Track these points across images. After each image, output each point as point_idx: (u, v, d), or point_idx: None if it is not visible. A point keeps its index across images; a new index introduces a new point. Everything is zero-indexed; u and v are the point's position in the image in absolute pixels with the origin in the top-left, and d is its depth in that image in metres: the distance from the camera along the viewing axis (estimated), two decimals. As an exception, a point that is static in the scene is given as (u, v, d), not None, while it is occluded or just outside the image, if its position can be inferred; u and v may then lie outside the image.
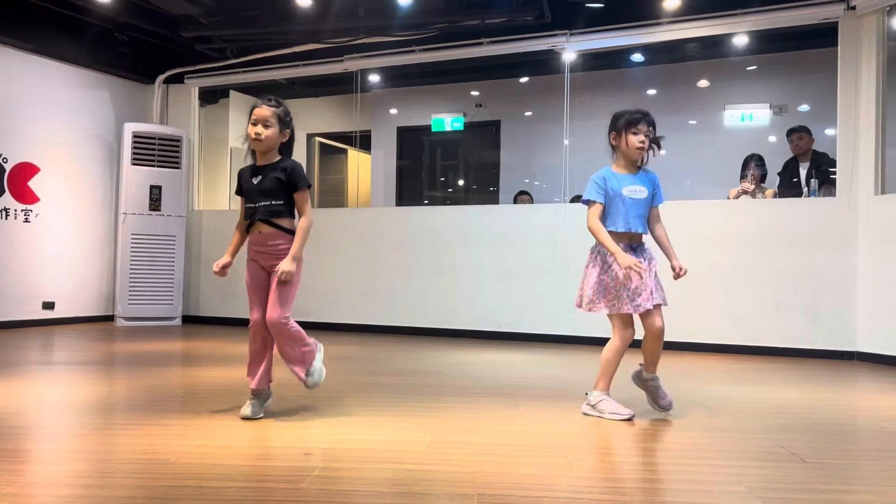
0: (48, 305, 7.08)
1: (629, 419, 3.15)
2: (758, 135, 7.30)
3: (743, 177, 6.13)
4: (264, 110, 3.07)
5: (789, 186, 6.12)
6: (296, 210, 3.14)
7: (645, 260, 3.22)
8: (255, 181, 3.10)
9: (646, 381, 3.35)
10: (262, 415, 3.10)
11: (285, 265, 3.03)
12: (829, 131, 6.37)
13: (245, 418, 3.05)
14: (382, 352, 5.57)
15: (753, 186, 5.99)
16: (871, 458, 2.65)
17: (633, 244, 3.25)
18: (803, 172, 6.07)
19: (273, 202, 3.08)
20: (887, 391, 4.15)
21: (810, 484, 2.27)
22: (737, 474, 2.35)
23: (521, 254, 6.43)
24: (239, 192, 3.21)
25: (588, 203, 3.26)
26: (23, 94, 6.85)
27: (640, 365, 3.37)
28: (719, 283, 5.76)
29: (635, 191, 3.24)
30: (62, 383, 4.00)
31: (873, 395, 4.12)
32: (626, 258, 3.08)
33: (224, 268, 3.17)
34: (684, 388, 4.11)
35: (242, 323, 7.44)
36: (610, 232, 3.20)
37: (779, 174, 6.31)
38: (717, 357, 5.45)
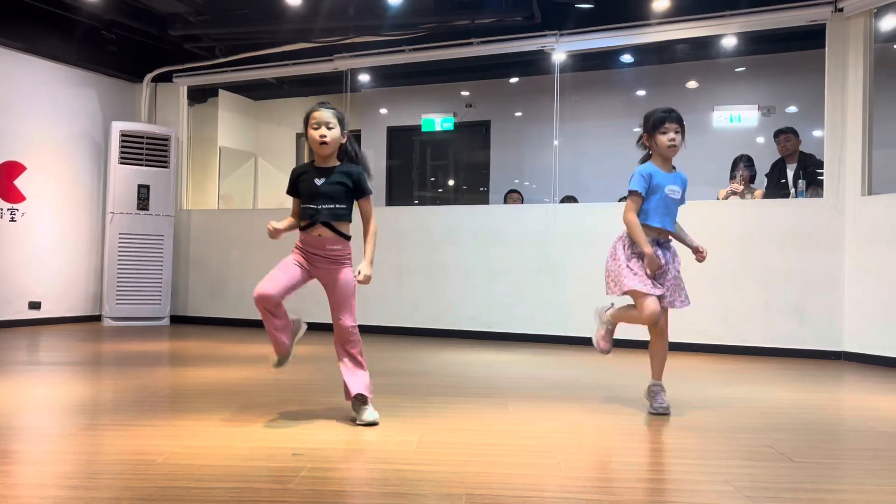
0: (34, 305, 7.03)
1: (601, 352, 3.43)
2: (746, 136, 7.35)
3: (732, 177, 6.16)
4: (325, 113, 3.07)
5: (776, 187, 6.15)
6: (363, 216, 3.16)
7: (668, 260, 3.30)
8: (318, 182, 3.07)
9: (649, 387, 3.37)
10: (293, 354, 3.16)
11: (367, 270, 3.07)
12: (817, 132, 6.41)
13: (282, 362, 3.15)
14: (372, 352, 5.54)
15: (743, 187, 6.02)
16: (859, 458, 2.67)
17: (659, 240, 3.32)
18: (790, 173, 6.10)
19: (337, 206, 3.07)
20: (874, 391, 4.18)
21: (798, 483, 2.28)
22: (725, 474, 2.36)
23: (510, 254, 6.43)
24: (293, 192, 3.16)
25: (630, 194, 3.32)
26: (9, 92, 6.79)
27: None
28: (708, 284, 5.77)
29: (675, 190, 3.35)
30: (49, 384, 3.96)
31: (860, 394, 4.15)
32: (649, 251, 3.20)
33: (277, 231, 3.09)
34: (672, 388, 4.11)
35: (231, 323, 7.45)
36: (644, 226, 3.27)
37: (766, 175, 6.35)
38: (706, 357, 5.48)
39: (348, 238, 3.13)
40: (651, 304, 3.20)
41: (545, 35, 6.45)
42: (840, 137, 5.47)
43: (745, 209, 5.86)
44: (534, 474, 2.32)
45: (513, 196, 7.58)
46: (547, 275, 6.28)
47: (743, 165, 6.13)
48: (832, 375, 4.72)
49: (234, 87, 8.52)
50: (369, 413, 3.01)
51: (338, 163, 3.13)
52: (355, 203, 3.16)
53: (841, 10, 5.45)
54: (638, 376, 4.52)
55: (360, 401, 3.06)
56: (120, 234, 7.34)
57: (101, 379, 4.22)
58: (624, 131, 8.00)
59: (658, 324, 3.29)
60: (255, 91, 8.81)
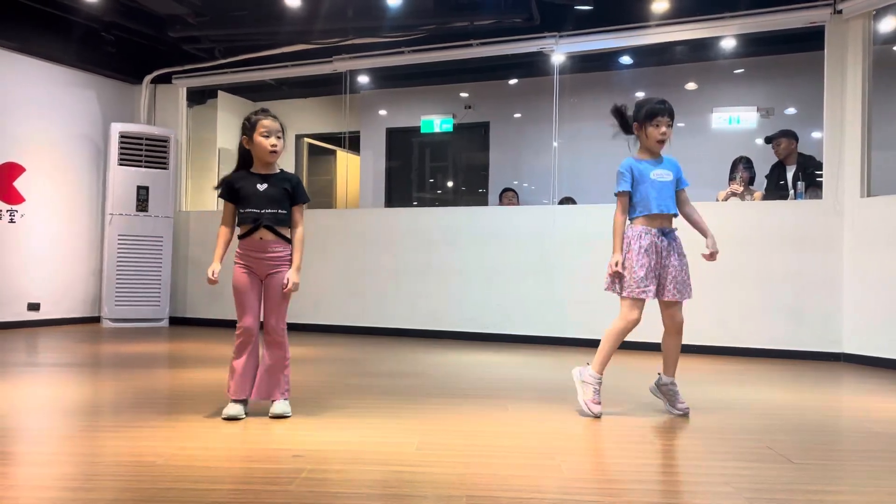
0: (33, 307, 7.02)
1: (593, 415, 3.23)
2: (745, 138, 7.35)
3: (731, 179, 6.17)
4: (275, 122, 3.17)
5: (776, 190, 6.16)
6: (292, 222, 3.21)
7: (672, 252, 3.27)
8: (261, 188, 3.13)
9: (663, 386, 3.37)
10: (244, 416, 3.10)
11: (295, 277, 3.14)
12: (816, 134, 6.42)
13: (231, 418, 3.04)
14: (370, 353, 5.56)
15: (742, 189, 6.02)
16: (857, 459, 2.67)
17: (665, 229, 3.30)
18: (790, 175, 6.11)
19: (279, 210, 3.14)
20: (872, 392, 4.18)
21: (797, 484, 2.28)
22: (724, 475, 2.36)
23: (508, 255, 6.43)
24: (230, 197, 3.19)
25: (617, 195, 3.34)
26: (8, 93, 6.79)
27: (659, 373, 3.42)
28: (705, 285, 5.77)
29: (662, 174, 3.33)
30: (48, 385, 3.96)
31: (859, 395, 4.15)
32: (615, 258, 3.26)
33: (216, 274, 3.14)
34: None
35: (230, 325, 7.40)
36: (644, 216, 3.28)
37: (766, 177, 6.35)
38: (703, 358, 5.48)
39: (289, 241, 3.19)
40: (634, 316, 3.23)
41: (544, 36, 6.45)
42: (839, 139, 5.48)
43: (744, 210, 5.87)
44: (534, 476, 2.32)
45: (508, 195, 7.57)
46: (545, 276, 6.29)
47: (742, 167, 6.14)
48: (830, 377, 4.72)
49: (234, 89, 8.51)
50: (280, 405, 3.12)
51: (277, 170, 3.22)
52: None
53: (840, 11, 5.46)
54: (636, 376, 4.53)
55: (275, 396, 3.16)
56: (119, 235, 7.33)
57: (101, 380, 4.22)
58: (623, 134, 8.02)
59: (674, 319, 3.29)
60: (254, 92, 8.81)
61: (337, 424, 3.04)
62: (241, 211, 3.15)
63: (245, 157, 3.23)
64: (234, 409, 3.09)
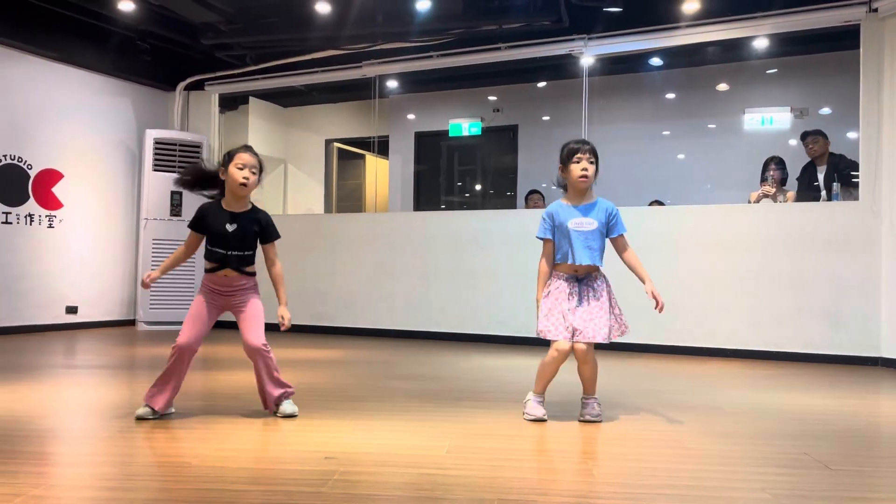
0: (72, 310, 7.17)
1: (536, 419, 3.20)
2: (778, 138, 7.24)
3: (763, 180, 6.08)
4: (252, 157, 3.20)
5: (808, 191, 6.04)
6: (267, 261, 3.27)
7: (587, 295, 3.22)
8: (230, 228, 3.16)
9: (584, 400, 3.32)
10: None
11: (286, 313, 3.23)
12: (852, 134, 6.30)
13: (141, 418, 3.07)
14: (400, 356, 5.57)
15: (774, 189, 5.93)
16: (897, 466, 2.62)
17: (580, 276, 3.25)
18: (821, 176, 5.99)
19: (245, 252, 3.20)
20: (912, 397, 4.09)
21: (835, 491, 2.24)
22: (761, 481, 2.32)
23: (538, 258, 6.39)
24: (198, 228, 3.21)
25: (540, 240, 3.35)
26: (47, 101, 6.96)
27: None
28: (739, 288, 5.71)
29: (581, 223, 3.24)
30: (85, 387, 4.05)
31: (898, 401, 4.06)
32: (537, 306, 3.28)
33: (151, 281, 3.18)
34: (704, 393, 4.08)
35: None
36: (559, 265, 3.27)
37: (797, 179, 6.24)
38: (737, 362, 5.40)
39: (254, 274, 3.25)
40: (561, 349, 3.16)
41: (573, 39, 6.43)
42: (876, 139, 5.37)
43: (777, 212, 5.78)
44: (566, 480, 2.31)
45: (534, 197, 7.54)
46: (576, 279, 6.24)
47: (774, 166, 6.05)
48: (869, 382, 4.63)
49: (265, 95, 8.62)
50: (286, 405, 3.18)
51: (248, 206, 3.25)
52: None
53: (875, 10, 5.36)
54: (675, 382, 4.49)
55: (280, 400, 3.22)
56: (154, 240, 7.46)
57: (136, 382, 4.29)
58: (653, 135, 7.96)
59: (577, 349, 3.19)
60: (284, 98, 8.91)
61: (368, 427, 3.06)
62: (209, 247, 3.19)
63: (205, 178, 3.28)
64: (144, 409, 3.10)
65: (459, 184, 9.51)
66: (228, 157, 3.20)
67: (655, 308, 3.17)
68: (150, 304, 7.42)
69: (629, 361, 5.34)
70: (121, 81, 7.67)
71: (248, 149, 3.23)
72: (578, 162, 3.23)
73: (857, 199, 5.49)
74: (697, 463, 2.64)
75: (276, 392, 3.21)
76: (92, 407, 3.47)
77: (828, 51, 6.71)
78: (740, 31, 5.92)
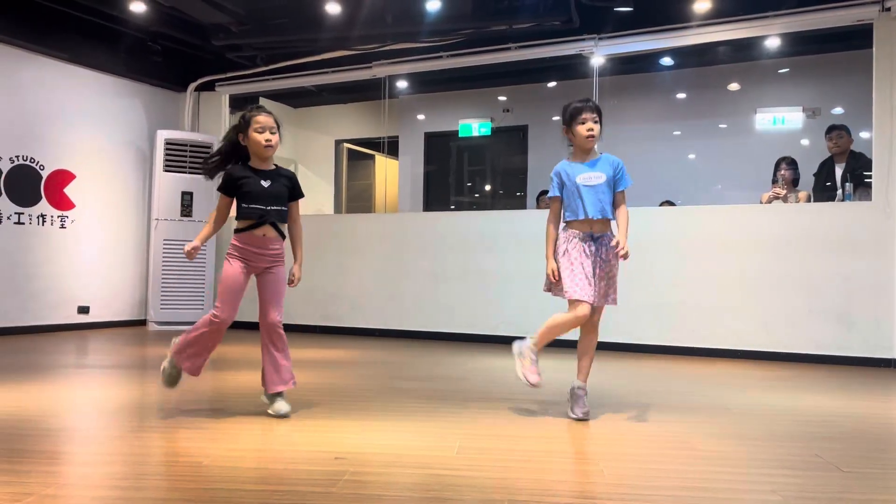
0: (83, 310, 7.22)
1: (531, 385, 3.23)
2: (790, 138, 7.20)
3: (774, 181, 6.03)
4: (268, 117, 3.22)
5: (824, 189, 5.99)
6: (291, 217, 3.31)
7: (598, 258, 3.23)
8: (265, 184, 3.20)
9: (573, 390, 3.32)
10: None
11: (299, 272, 3.30)
12: (864, 134, 6.25)
13: (170, 379, 3.23)
14: (410, 357, 5.58)
15: (785, 191, 5.89)
16: (911, 468, 2.60)
17: (595, 234, 3.26)
18: (839, 174, 5.93)
19: (282, 207, 3.24)
20: (926, 399, 4.05)
21: (847, 493, 2.23)
22: (772, 483, 2.31)
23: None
24: (228, 191, 3.24)
25: (548, 199, 3.37)
26: (58, 102, 7.00)
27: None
28: (750, 289, 5.68)
29: (590, 178, 3.28)
30: (97, 386, 4.07)
31: (911, 403, 4.03)
32: (550, 265, 3.29)
33: (195, 250, 3.21)
34: (713, 394, 4.06)
35: (271, 327, 7.53)
36: (571, 222, 3.28)
37: (814, 175, 6.16)
38: (748, 364, 5.37)
39: (284, 236, 3.29)
40: (583, 311, 3.17)
41: (583, 39, 6.41)
42: (889, 139, 5.33)
43: (788, 212, 5.74)
44: (576, 481, 2.30)
45: (545, 198, 7.54)
46: (586, 280, 6.23)
47: (785, 166, 6.00)
48: (881, 383, 4.59)
49: (275, 95, 8.64)
50: (280, 404, 3.19)
51: (273, 165, 3.29)
52: None
53: (888, 9, 5.32)
54: (684, 382, 4.47)
55: (275, 396, 3.24)
56: (164, 240, 7.49)
57: (147, 382, 4.32)
58: (664, 135, 7.93)
59: (591, 319, 3.26)
60: (294, 99, 8.93)
61: (377, 427, 3.06)
62: (245, 206, 3.21)
63: (234, 152, 3.27)
64: (170, 369, 3.24)
65: (469, 184, 9.51)
66: (245, 121, 3.21)
67: (619, 254, 3.20)
68: (161, 304, 7.45)
69: (637, 362, 5.32)
70: (132, 82, 7.71)
71: (261, 110, 3.25)
72: (584, 122, 3.27)
73: (870, 199, 5.45)
74: (707, 464, 2.63)
75: (275, 378, 3.23)
76: (103, 406, 3.49)
77: (840, 50, 6.66)
78: (751, 30, 5.88)
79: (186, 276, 7.58)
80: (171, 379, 3.27)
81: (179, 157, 7.59)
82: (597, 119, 3.29)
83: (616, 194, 3.33)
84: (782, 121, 7.17)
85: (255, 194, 3.19)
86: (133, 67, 7.61)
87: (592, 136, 3.28)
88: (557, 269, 3.27)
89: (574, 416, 3.27)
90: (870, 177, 5.55)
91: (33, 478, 2.25)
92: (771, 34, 6.01)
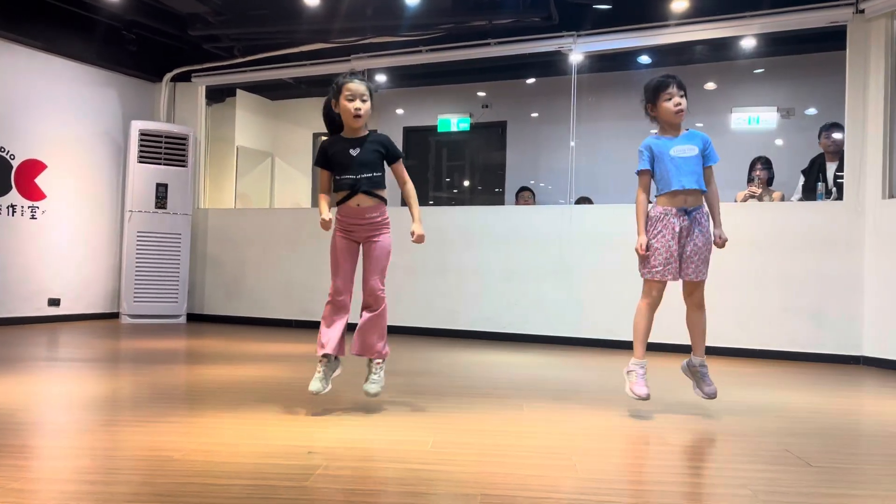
0: (54, 302, 7.11)
1: (640, 398, 3.19)
2: (765, 138, 7.28)
3: (750, 180, 6.10)
4: (360, 85, 3.17)
5: (815, 187, 5.98)
6: (398, 179, 3.31)
7: (693, 231, 3.23)
8: (353, 153, 3.17)
9: (692, 367, 3.36)
10: (329, 388, 3.16)
11: (419, 229, 3.27)
12: (837, 135, 6.34)
13: (316, 392, 3.12)
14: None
15: (760, 190, 5.96)
16: (877, 463, 2.64)
17: (688, 207, 3.25)
18: (830, 172, 5.96)
19: (374, 174, 3.20)
20: (893, 395, 4.13)
21: (816, 488, 2.26)
22: (742, 477, 2.34)
23: (525, 255, 6.42)
24: (324, 164, 3.24)
25: (637, 174, 3.33)
26: (30, 90, 6.88)
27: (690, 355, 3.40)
28: (725, 287, 5.73)
29: (683, 150, 3.27)
30: (67, 380, 4.01)
31: (880, 399, 4.10)
32: (640, 240, 3.24)
33: (330, 220, 3.17)
34: (688, 390, 4.09)
35: (246, 321, 7.49)
36: (665, 195, 3.26)
37: (803, 172, 6.20)
38: (723, 360, 5.43)
39: (385, 201, 3.25)
40: (654, 294, 3.22)
41: (563, 36, 6.43)
42: (861, 139, 5.42)
43: (762, 212, 5.81)
44: (549, 475, 2.31)
45: (524, 194, 7.55)
46: (562, 276, 6.27)
47: (760, 166, 6.07)
48: (851, 380, 4.67)
49: (252, 87, 8.57)
50: (372, 384, 3.19)
51: (366, 132, 3.25)
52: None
53: (862, 11, 5.40)
54: (660, 378, 4.50)
55: (371, 363, 3.24)
56: (138, 232, 7.40)
57: (119, 376, 4.26)
58: (641, 133, 7.94)
59: (692, 296, 3.29)
60: (272, 91, 8.86)
61: (352, 422, 3.05)
62: (337, 178, 3.20)
63: (332, 120, 3.25)
64: (317, 384, 3.14)
65: (448, 180, 9.50)
66: (337, 89, 3.18)
67: (717, 245, 3.26)
68: (135, 297, 7.36)
69: (612, 357, 5.36)
70: (106, 72, 7.60)
71: (354, 76, 3.21)
72: (670, 98, 3.25)
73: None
74: (679, 459, 2.65)
75: (366, 345, 3.22)
76: (73, 400, 3.44)
77: (814, 51, 6.76)
78: (728, 30, 5.94)
79: (160, 268, 7.49)
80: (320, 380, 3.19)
81: (154, 148, 7.49)
82: (682, 93, 3.27)
83: (705, 169, 3.32)
84: (757, 120, 7.26)
85: (345, 164, 3.17)
86: (108, 57, 7.50)
87: (681, 111, 3.27)
88: (647, 243, 3.25)
89: (702, 394, 3.28)
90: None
91: (1, 472, 2.20)
92: (747, 34, 6.07)
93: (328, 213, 3.16)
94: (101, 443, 2.63)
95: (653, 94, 3.30)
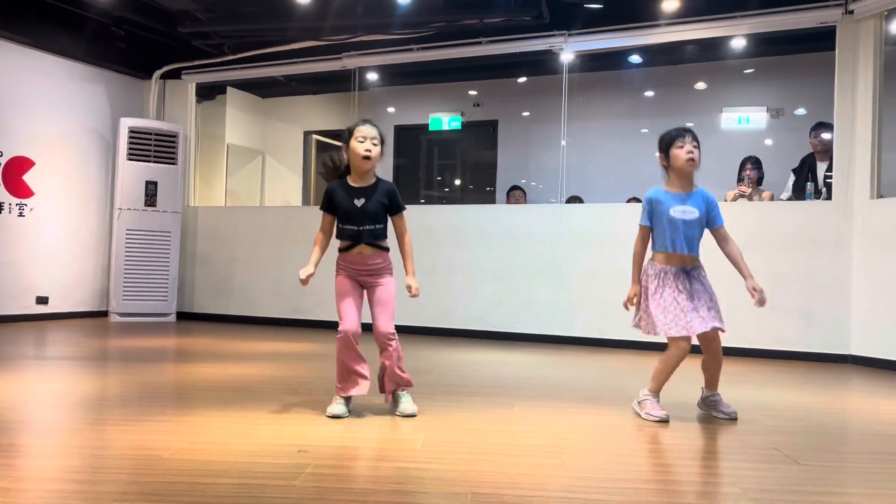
0: (42, 300, 7.05)
1: (659, 420, 3.14)
2: (755, 138, 7.32)
3: (740, 180, 6.13)
4: (371, 129, 3.18)
5: (803, 189, 6.00)
6: (397, 232, 3.29)
7: (694, 286, 3.21)
8: (358, 203, 3.16)
9: (707, 400, 3.34)
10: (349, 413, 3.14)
11: (414, 283, 3.28)
12: (826, 135, 6.38)
13: (337, 416, 3.07)
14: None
15: (750, 189, 5.99)
16: (864, 461, 2.66)
17: (686, 267, 3.22)
18: (820, 172, 5.98)
19: (377, 226, 3.20)
20: (881, 394, 4.16)
21: (804, 486, 2.27)
22: (731, 475, 2.35)
23: (516, 254, 6.42)
24: (329, 209, 3.23)
25: (639, 226, 3.30)
26: (19, 87, 6.82)
27: (702, 388, 3.38)
28: (716, 285, 5.75)
29: (685, 211, 3.20)
30: (55, 378, 3.98)
31: (867, 398, 4.13)
32: (631, 290, 3.24)
33: (309, 277, 3.19)
34: (678, 388, 4.11)
35: (236, 320, 7.46)
36: (661, 254, 3.22)
37: (794, 171, 6.22)
38: (712, 359, 5.45)
39: (387, 250, 3.25)
40: (683, 345, 3.14)
41: (553, 35, 6.44)
42: (849, 140, 5.45)
43: (752, 211, 5.84)
44: (539, 474, 2.31)
45: (515, 193, 7.55)
46: (553, 275, 6.27)
47: (750, 166, 6.09)
48: (839, 379, 4.70)
49: (243, 85, 8.52)
50: (408, 405, 3.18)
51: (373, 180, 3.24)
52: None
53: (851, 12, 5.43)
54: (643, 377, 4.51)
55: (397, 394, 3.25)
56: (127, 230, 7.36)
57: (108, 374, 4.24)
58: (631, 132, 8.00)
59: (710, 345, 3.24)
60: (263, 88, 8.82)
61: (342, 420, 3.05)
62: (341, 226, 3.20)
63: (335, 168, 3.26)
64: (338, 408, 3.11)
65: (439, 178, 9.50)
66: (349, 133, 3.19)
67: (755, 303, 3.18)
68: (124, 295, 7.32)
69: (604, 357, 5.37)
70: (95, 68, 7.54)
71: (367, 122, 3.21)
72: (682, 146, 3.18)
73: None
74: (668, 457, 2.66)
75: (391, 385, 3.26)
76: (62, 399, 3.42)
77: (804, 52, 6.79)
78: (718, 30, 5.96)
79: (150, 266, 7.45)
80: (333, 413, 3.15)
81: (144, 146, 7.45)
82: (696, 144, 3.20)
83: (717, 230, 3.28)
84: (747, 120, 7.29)
85: (349, 213, 3.16)
86: (97, 53, 7.44)
87: (693, 161, 3.18)
88: (640, 295, 3.23)
89: (724, 415, 3.24)
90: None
91: (-14, 471, 2.19)
92: (737, 34, 6.09)
93: (312, 269, 3.18)
94: (88, 441, 2.62)
95: (666, 145, 3.24)
